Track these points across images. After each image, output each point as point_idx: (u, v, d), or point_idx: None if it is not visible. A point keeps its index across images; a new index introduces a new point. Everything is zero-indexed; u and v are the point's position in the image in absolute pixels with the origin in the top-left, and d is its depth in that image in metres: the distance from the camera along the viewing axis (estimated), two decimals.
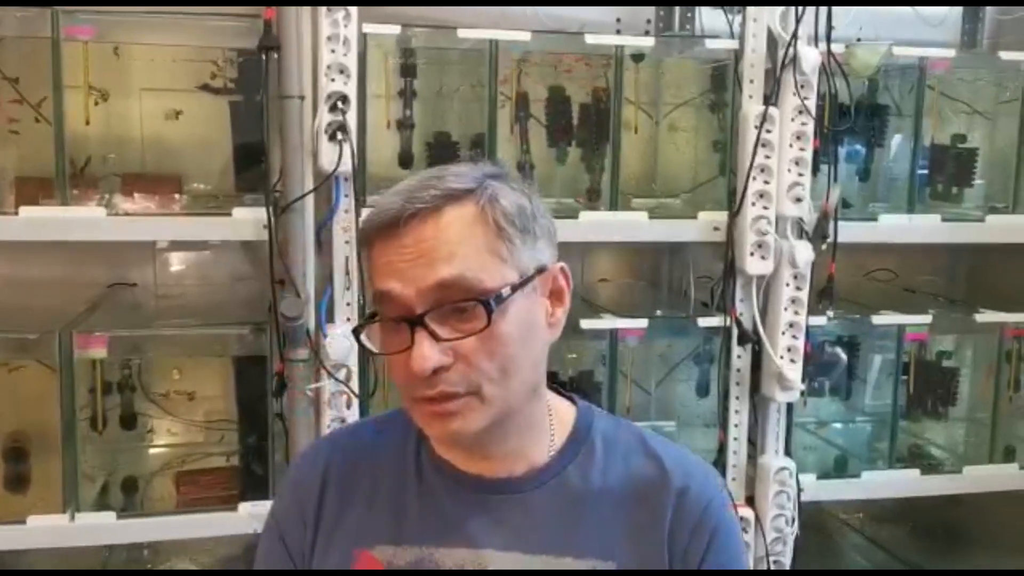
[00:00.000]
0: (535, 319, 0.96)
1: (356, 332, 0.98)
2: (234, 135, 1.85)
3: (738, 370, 1.95)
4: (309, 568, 1.05)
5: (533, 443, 1.02)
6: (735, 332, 1.92)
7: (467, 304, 0.90)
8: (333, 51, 1.64)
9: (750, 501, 1.97)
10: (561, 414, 1.06)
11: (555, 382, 1.80)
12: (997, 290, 2.31)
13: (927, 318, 2.05)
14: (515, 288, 0.92)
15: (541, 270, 0.96)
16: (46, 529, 1.69)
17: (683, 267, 2.21)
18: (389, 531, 1.02)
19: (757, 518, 1.94)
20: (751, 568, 1.93)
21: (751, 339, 1.92)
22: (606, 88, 1.90)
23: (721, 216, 1.90)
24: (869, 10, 2.16)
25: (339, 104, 1.65)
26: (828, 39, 1.86)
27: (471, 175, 0.95)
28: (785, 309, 1.90)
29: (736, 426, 1.96)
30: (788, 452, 1.98)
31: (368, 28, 1.71)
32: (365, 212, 0.98)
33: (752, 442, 1.98)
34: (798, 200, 1.87)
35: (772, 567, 1.94)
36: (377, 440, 1.08)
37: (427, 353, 0.89)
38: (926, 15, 2.24)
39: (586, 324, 1.86)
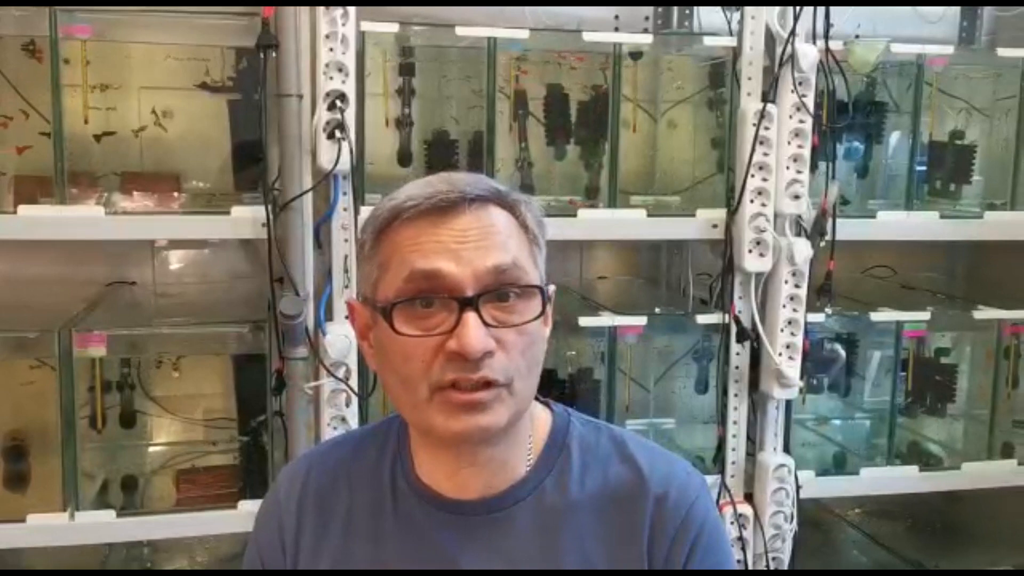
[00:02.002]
0: (544, 330, 0.98)
1: (387, 309, 0.91)
2: (233, 134, 1.85)
3: (737, 367, 1.95)
4: None
5: (514, 453, 1.00)
6: (734, 329, 1.92)
7: (519, 290, 0.92)
8: (331, 49, 1.64)
9: (749, 498, 1.98)
10: (538, 421, 1.05)
11: (552, 381, 1.78)
12: (995, 287, 2.31)
13: (925, 315, 2.05)
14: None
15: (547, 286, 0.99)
16: (46, 527, 1.69)
17: (682, 264, 2.21)
18: (370, 559, 1.01)
19: (756, 515, 1.95)
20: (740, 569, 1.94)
21: (750, 336, 1.92)
22: (604, 86, 1.90)
23: (720, 213, 1.91)
24: (867, 7, 2.16)
25: (337, 102, 1.65)
26: (826, 36, 1.86)
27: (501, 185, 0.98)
28: (784, 306, 1.90)
29: (735, 423, 1.96)
30: (787, 449, 1.98)
31: (366, 26, 1.72)
32: (386, 203, 0.95)
33: (751, 439, 1.99)
34: (796, 197, 1.87)
35: (771, 564, 1.95)
36: (356, 456, 1.07)
37: (481, 334, 0.88)
38: (924, 12, 2.25)
39: (585, 321, 1.87)
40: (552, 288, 1.00)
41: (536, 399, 1.06)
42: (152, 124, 1.88)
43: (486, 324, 0.90)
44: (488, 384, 0.90)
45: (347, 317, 1.74)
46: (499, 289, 0.91)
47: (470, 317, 0.88)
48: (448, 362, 0.89)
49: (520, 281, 0.92)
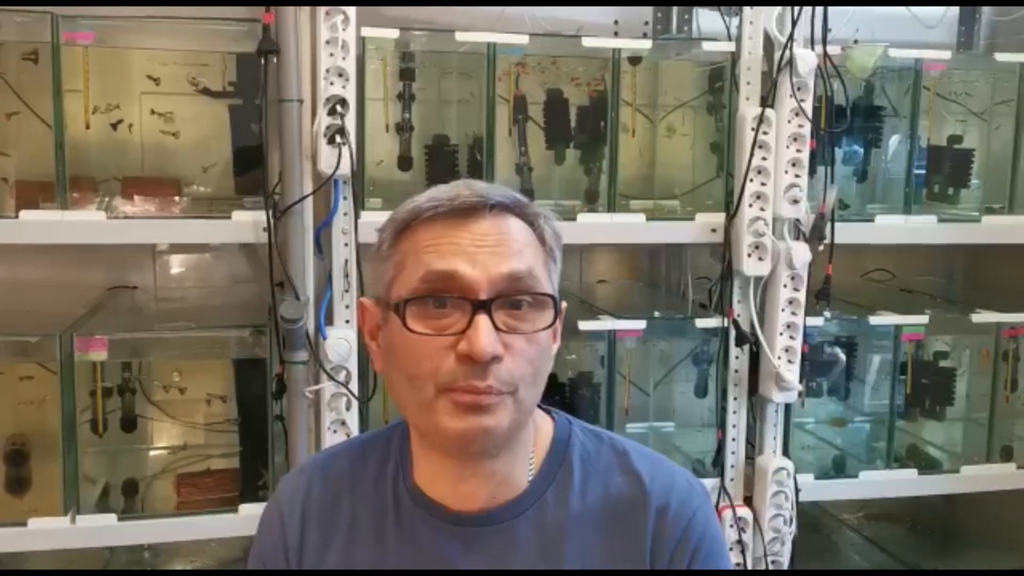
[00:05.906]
0: (551, 343, 0.98)
1: (400, 306, 0.92)
2: (233, 138, 1.85)
3: (736, 371, 1.95)
4: None
5: (517, 464, 1.00)
6: (733, 333, 1.93)
7: (532, 299, 0.92)
8: (332, 55, 1.65)
9: (748, 501, 1.98)
10: (540, 431, 1.05)
11: (552, 385, 1.77)
12: (993, 290, 2.32)
13: (924, 318, 2.05)
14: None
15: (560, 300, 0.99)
16: (47, 531, 1.69)
17: (681, 268, 2.22)
18: (372, 567, 1.01)
19: (755, 518, 1.95)
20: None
21: (749, 340, 1.93)
22: (604, 90, 1.91)
23: (719, 218, 1.91)
24: (865, 12, 2.17)
25: (338, 108, 1.66)
26: (824, 41, 1.86)
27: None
28: (783, 310, 1.91)
29: (734, 427, 1.97)
30: (786, 452, 1.99)
31: (366, 31, 1.72)
32: (406, 205, 0.96)
33: (750, 442, 1.99)
34: (795, 201, 1.88)
35: (770, 567, 1.95)
36: (357, 466, 1.07)
37: (492, 337, 0.89)
38: (922, 16, 2.25)
39: (584, 325, 1.87)
40: (563, 304, 1.00)
41: (539, 407, 1.06)
42: (129, 127, 1.88)
43: (497, 329, 0.90)
44: (496, 389, 0.90)
45: (348, 322, 1.75)
46: (512, 295, 0.91)
47: (482, 320, 0.89)
48: (458, 364, 0.90)
49: (533, 290, 0.93)
